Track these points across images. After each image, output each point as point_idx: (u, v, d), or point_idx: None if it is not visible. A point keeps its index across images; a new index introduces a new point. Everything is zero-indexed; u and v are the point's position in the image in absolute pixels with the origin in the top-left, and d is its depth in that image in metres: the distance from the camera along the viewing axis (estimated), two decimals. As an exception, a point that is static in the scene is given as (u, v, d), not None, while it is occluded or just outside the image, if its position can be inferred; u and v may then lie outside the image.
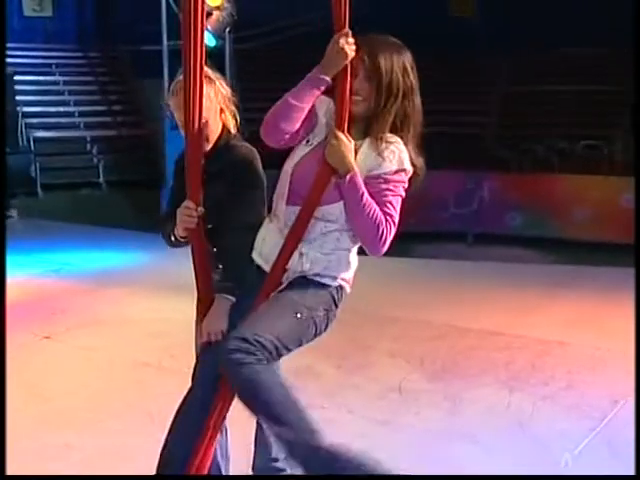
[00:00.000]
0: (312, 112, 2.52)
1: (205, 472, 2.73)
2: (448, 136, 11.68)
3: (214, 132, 2.85)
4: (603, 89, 12.68)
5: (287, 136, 2.50)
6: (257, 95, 11.60)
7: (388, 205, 2.48)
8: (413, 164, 2.53)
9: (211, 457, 2.76)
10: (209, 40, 9.28)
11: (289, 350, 2.57)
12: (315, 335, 2.62)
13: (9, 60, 14.46)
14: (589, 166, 10.10)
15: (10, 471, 3.30)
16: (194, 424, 2.66)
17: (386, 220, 2.47)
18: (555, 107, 12.90)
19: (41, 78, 15.02)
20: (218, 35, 9.22)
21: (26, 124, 13.79)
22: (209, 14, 9.07)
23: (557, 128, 12.29)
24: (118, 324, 5.71)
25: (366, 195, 2.46)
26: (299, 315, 2.53)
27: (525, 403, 4.24)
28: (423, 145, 2.59)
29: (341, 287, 2.63)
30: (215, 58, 9.78)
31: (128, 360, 4.94)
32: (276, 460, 3.13)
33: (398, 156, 2.49)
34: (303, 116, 2.48)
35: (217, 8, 8.94)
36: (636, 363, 4.29)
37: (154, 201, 10.86)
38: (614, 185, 9.97)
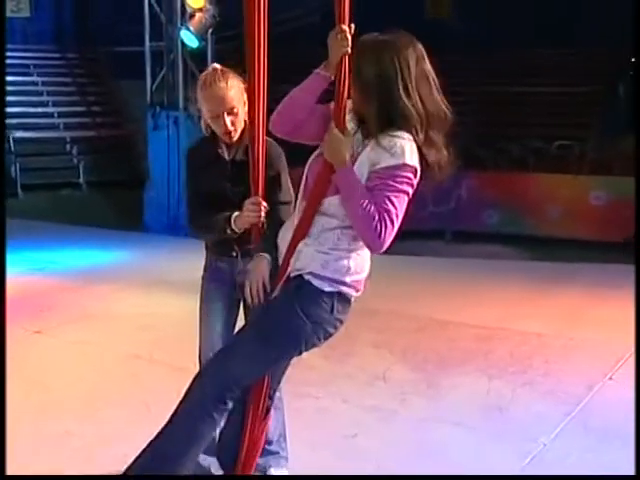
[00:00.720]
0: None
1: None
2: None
3: (241, 122, 3.04)
4: (578, 90, 12.95)
5: (289, 126, 2.62)
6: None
7: (385, 200, 2.43)
8: (426, 160, 2.50)
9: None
10: (191, 41, 9.41)
11: (277, 365, 2.79)
12: (300, 347, 2.67)
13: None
14: (562, 165, 10.34)
15: (15, 457, 3.43)
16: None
17: (380, 214, 2.43)
18: (531, 107, 13.14)
19: (19, 79, 15.01)
20: (200, 36, 9.34)
21: (6, 124, 13.79)
22: (191, 16, 9.20)
23: (533, 128, 12.53)
24: (107, 319, 5.82)
25: (359, 189, 2.46)
26: (281, 339, 2.64)
27: (504, 389, 4.44)
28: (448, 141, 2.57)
29: (340, 294, 2.61)
30: (197, 58, 9.89)
31: (120, 353, 5.07)
32: (270, 443, 3.28)
33: (400, 149, 2.45)
34: (304, 109, 2.58)
35: (199, 10, 9.06)
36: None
37: (135, 201, 10.97)
38: (584, 184, 10.22)
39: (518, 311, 5.98)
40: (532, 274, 7.23)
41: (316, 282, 2.58)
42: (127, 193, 11.76)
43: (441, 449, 3.69)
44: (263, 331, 2.66)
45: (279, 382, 2.95)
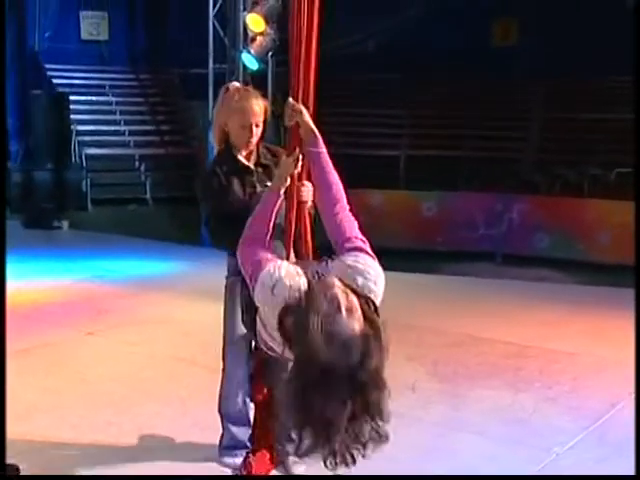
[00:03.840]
0: None
1: None
2: (487, 161, 11.99)
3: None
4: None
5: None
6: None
7: None
8: None
9: None
10: (252, 63, 9.77)
11: None
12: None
13: (65, 82, 15.24)
14: (619, 192, 10.29)
15: (59, 443, 3.75)
16: None
17: None
18: (594, 134, 13.10)
19: (94, 98, 15.69)
20: (261, 59, 9.69)
21: (79, 142, 14.45)
22: (253, 39, 9.56)
23: (594, 155, 12.48)
24: (156, 324, 6.13)
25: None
26: None
27: (528, 403, 4.55)
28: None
29: None
30: (258, 80, 10.22)
31: (163, 355, 5.36)
32: None
33: None
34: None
35: (260, 34, 9.41)
36: (636, 368, 4.55)
37: (196, 217, 11.36)
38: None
39: (553, 331, 6.04)
40: (573, 297, 7.26)
41: None
42: (190, 209, 12.15)
43: (455, 453, 3.85)
44: None
45: None
